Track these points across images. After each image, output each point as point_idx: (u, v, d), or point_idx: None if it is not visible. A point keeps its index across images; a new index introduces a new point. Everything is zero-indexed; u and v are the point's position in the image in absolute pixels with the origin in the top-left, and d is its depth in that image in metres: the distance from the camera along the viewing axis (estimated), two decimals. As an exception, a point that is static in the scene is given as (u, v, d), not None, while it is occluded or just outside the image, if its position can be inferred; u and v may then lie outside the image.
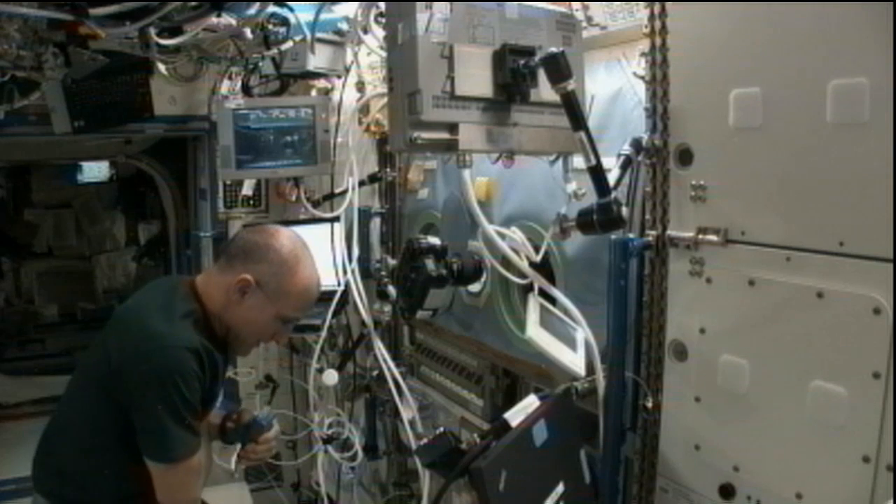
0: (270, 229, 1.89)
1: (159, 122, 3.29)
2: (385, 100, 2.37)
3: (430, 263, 1.98)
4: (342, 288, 2.71)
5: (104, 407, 1.71)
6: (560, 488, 1.47)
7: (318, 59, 2.63)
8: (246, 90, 3.00)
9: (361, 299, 2.64)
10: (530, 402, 1.51)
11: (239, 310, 1.78)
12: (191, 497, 1.78)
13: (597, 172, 1.38)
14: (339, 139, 2.83)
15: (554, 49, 1.40)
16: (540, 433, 1.45)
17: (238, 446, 2.04)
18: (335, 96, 2.90)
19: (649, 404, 1.50)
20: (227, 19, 2.10)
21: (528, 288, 1.75)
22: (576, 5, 1.65)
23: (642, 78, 1.50)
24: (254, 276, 1.75)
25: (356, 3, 2.40)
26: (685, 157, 1.40)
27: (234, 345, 1.87)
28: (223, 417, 2.04)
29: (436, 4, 1.36)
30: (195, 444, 1.71)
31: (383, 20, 2.19)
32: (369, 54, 2.55)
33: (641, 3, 1.49)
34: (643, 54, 1.48)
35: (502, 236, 1.71)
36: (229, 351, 1.89)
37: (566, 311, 1.64)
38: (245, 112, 2.81)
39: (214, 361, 1.73)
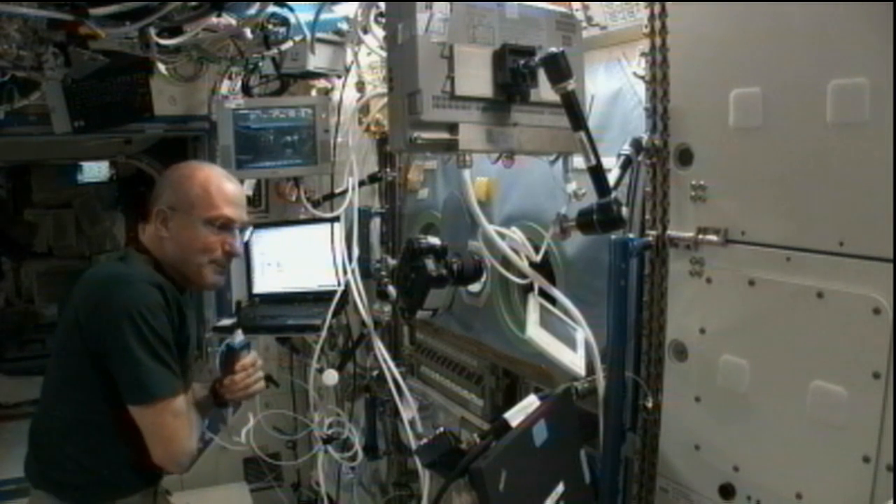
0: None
1: (159, 122, 3.29)
2: (385, 100, 2.37)
3: (430, 263, 1.98)
4: (342, 288, 2.71)
5: (84, 367, 1.73)
6: (560, 488, 1.47)
7: (318, 59, 2.63)
8: (246, 90, 3.00)
9: (361, 299, 2.64)
10: (530, 402, 1.51)
11: (173, 239, 1.87)
12: (184, 448, 1.75)
13: (597, 172, 1.38)
14: (339, 139, 2.83)
15: (554, 49, 1.40)
16: (540, 433, 1.45)
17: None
18: (335, 96, 2.90)
19: (649, 404, 1.50)
20: (227, 19, 2.10)
21: (528, 288, 1.75)
22: (576, 5, 1.65)
23: (642, 78, 1.50)
24: (165, 205, 1.88)
25: (356, 3, 2.40)
26: (685, 157, 1.40)
27: (193, 277, 1.90)
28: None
29: (436, 4, 1.36)
30: (175, 383, 1.72)
31: (383, 20, 2.19)
32: (369, 54, 2.55)
33: (641, 3, 1.49)
34: (643, 54, 1.48)
35: (502, 236, 1.71)
36: (194, 288, 1.98)
37: (566, 311, 1.63)
38: (245, 112, 2.81)
39: (178, 298, 1.80)
